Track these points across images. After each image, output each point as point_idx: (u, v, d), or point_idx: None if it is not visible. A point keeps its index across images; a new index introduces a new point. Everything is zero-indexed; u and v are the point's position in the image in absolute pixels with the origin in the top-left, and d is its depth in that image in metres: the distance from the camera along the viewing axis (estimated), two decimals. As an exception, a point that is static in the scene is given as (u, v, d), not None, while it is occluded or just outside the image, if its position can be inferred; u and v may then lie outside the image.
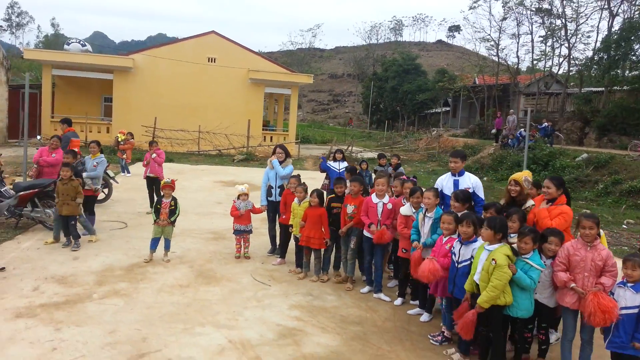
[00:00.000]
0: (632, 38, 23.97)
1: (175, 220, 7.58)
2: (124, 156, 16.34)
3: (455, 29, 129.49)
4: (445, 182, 6.42)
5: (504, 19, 37.24)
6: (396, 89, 56.52)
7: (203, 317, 5.57)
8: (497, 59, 41.09)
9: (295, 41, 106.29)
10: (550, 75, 42.03)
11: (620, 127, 25.82)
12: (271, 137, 28.28)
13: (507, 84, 41.04)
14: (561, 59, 36.84)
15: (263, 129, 28.89)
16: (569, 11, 32.89)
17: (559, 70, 40.15)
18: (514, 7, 36.72)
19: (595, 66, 26.86)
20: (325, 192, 10.06)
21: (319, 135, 45.60)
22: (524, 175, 5.78)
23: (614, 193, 15.72)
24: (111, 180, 11.30)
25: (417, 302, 6.20)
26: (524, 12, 37.20)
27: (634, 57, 24.37)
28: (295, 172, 8.03)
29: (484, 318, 4.49)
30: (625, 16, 26.52)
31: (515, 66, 41.02)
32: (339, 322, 5.63)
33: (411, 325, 5.69)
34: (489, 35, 42.28)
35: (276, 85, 28.66)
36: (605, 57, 25.77)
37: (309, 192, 7.11)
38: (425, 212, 5.77)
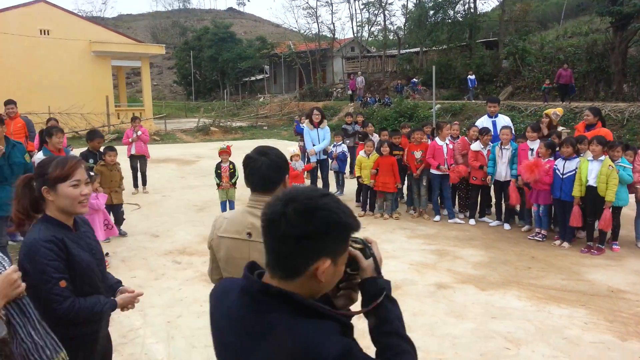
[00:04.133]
0: (447, 5, 28.67)
1: (235, 182, 7.79)
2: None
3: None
4: (485, 123, 8.09)
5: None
6: (215, 58, 55.97)
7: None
8: (317, 26, 44.21)
9: (83, 9, 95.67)
10: (355, 40, 47.06)
11: (439, 82, 30.79)
12: (130, 114, 26.35)
13: (325, 49, 44.61)
14: (376, 27, 41.31)
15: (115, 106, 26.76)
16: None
17: (361, 34, 44.88)
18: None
19: (418, 29, 31.18)
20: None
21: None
22: (554, 111, 7.73)
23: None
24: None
25: (484, 219, 7.87)
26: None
27: (449, 21, 29.15)
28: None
29: (592, 210, 6.32)
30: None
31: (332, 33, 44.60)
32: (458, 241, 6.93)
33: (503, 234, 7.29)
34: (307, 2, 44.95)
35: (123, 57, 26.61)
36: (425, 22, 30.19)
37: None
38: (501, 146, 7.34)
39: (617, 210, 6.50)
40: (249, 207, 2.25)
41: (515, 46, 26.80)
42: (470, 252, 6.42)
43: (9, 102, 8.24)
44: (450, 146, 7.84)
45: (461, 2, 29.72)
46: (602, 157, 6.21)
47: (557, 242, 6.70)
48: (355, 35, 43.28)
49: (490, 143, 7.59)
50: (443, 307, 4.81)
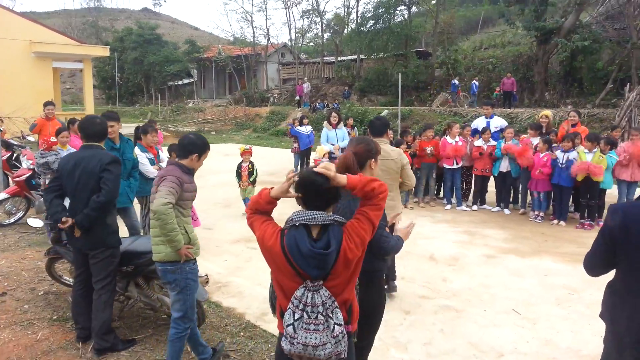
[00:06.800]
0: (386, 16, 30.52)
1: (254, 180, 8.46)
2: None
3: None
4: (480, 123, 9.45)
5: (263, -5, 40.67)
6: (140, 61, 54.40)
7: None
8: (252, 30, 44.70)
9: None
10: (285, 46, 48.44)
11: (377, 89, 32.67)
12: (67, 118, 25.40)
13: (259, 54, 45.21)
14: (310, 34, 42.57)
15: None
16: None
17: (296, 41, 46.12)
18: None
19: (357, 37, 32.68)
20: (294, 154, 11.97)
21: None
22: (547, 113, 9.25)
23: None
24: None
25: (484, 207, 9.16)
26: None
27: (387, 30, 30.97)
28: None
29: (586, 192, 7.79)
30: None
31: (267, 38, 45.34)
32: (476, 224, 8.15)
33: (507, 217, 8.62)
34: (242, 7, 45.24)
35: (64, 58, 25.59)
36: (365, 30, 31.82)
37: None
38: (505, 143, 8.67)
39: (603, 192, 8.04)
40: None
41: (448, 56, 29.20)
42: (492, 232, 7.65)
43: (49, 104, 8.36)
44: (460, 143, 9.07)
45: (398, 13, 31.72)
46: (595, 149, 7.70)
47: (555, 221, 8.12)
48: (292, 41, 44.27)
49: (491, 140, 8.93)
50: (503, 270, 5.95)
